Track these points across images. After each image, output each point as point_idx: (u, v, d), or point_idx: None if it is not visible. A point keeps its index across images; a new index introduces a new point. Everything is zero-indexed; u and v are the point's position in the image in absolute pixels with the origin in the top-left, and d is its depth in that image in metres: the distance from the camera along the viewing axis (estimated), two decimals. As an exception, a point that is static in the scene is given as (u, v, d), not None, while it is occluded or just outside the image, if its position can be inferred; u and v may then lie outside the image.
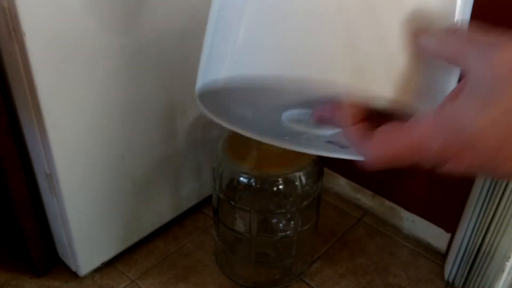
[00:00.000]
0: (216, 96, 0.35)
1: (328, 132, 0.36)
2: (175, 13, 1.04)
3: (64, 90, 0.92)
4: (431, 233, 1.32)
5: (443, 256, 1.29)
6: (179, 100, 1.15)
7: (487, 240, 1.05)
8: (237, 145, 1.06)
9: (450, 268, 1.18)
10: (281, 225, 1.15)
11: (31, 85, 0.88)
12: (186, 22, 1.07)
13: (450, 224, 1.26)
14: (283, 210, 1.10)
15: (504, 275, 1.04)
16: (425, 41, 0.29)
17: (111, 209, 1.15)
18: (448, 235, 1.28)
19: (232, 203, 1.07)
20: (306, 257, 1.21)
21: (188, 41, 1.09)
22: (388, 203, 1.39)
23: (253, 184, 1.03)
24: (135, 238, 1.27)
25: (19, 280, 1.19)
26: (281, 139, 0.42)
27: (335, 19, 0.28)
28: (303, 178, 1.03)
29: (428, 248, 1.33)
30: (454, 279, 1.18)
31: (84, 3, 0.87)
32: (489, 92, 0.24)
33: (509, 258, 1.02)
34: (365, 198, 1.45)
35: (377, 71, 0.28)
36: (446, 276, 1.21)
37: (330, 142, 0.39)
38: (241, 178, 1.03)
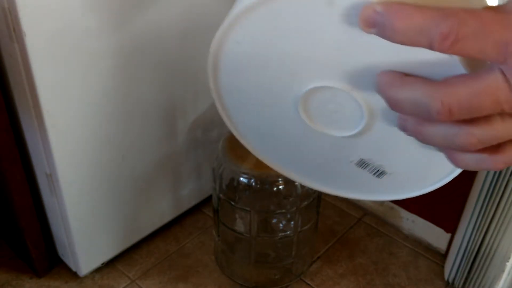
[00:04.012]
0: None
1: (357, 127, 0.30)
2: (176, 12, 1.04)
3: (64, 90, 0.92)
4: (431, 233, 1.32)
5: (443, 256, 1.29)
6: (179, 100, 1.15)
7: (487, 240, 1.05)
8: (237, 145, 1.06)
9: (450, 268, 1.18)
10: (281, 225, 1.15)
11: (31, 85, 0.87)
12: (186, 22, 1.07)
13: (450, 224, 1.26)
14: (283, 210, 1.10)
15: (504, 275, 1.04)
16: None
17: (111, 209, 1.15)
18: (448, 235, 1.28)
19: (232, 203, 1.07)
20: (306, 257, 1.21)
21: (189, 40, 1.09)
22: (388, 203, 1.39)
23: (253, 184, 1.03)
24: (135, 238, 1.27)
25: (19, 280, 1.19)
26: (309, 170, 0.35)
27: None
28: (303, 178, 1.03)
29: (428, 248, 1.33)
30: (454, 279, 1.18)
31: (84, 2, 0.87)
32: None
33: (509, 258, 1.02)
34: (365, 198, 1.44)
35: None
36: (446, 276, 1.21)
37: (362, 164, 0.32)
38: (241, 178, 1.03)
